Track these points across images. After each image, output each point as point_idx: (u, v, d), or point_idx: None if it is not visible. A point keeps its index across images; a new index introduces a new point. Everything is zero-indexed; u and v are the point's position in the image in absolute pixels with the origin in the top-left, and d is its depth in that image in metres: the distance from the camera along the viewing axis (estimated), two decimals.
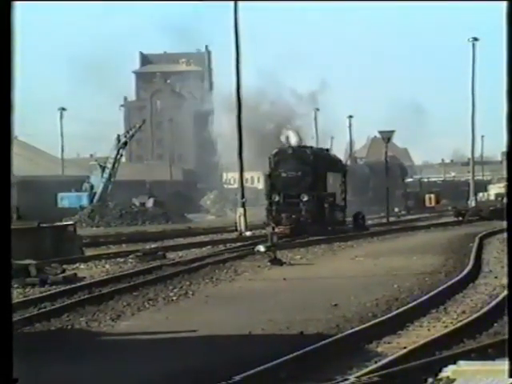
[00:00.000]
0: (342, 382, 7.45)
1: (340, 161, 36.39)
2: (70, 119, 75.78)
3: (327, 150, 36.44)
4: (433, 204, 58.27)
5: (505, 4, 5.74)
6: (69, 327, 11.82)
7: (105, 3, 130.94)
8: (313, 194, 30.85)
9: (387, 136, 41.81)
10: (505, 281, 13.75)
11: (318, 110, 69.11)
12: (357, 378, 7.58)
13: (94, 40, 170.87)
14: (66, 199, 54.55)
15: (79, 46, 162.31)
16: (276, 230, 28.51)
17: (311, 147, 33.79)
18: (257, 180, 76.77)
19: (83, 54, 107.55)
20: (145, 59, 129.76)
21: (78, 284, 16.29)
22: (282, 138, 33.71)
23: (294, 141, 33.14)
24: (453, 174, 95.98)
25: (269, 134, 39.38)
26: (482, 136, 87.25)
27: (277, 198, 30.88)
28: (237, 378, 7.57)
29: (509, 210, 6.01)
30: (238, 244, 26.46)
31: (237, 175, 37.65)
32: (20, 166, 71.53)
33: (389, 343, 9.96)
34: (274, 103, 42.79)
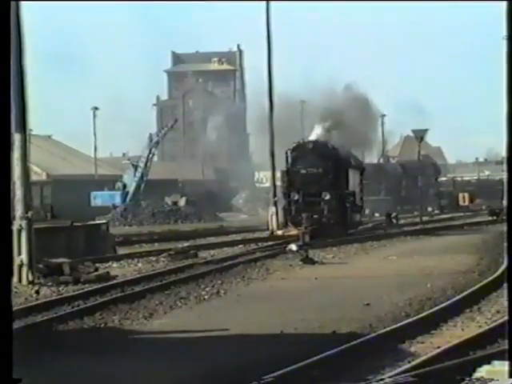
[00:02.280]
0: (375, 382, 7.40)
1: (357, 158, 33.85)
2: (104, 118, 76.19)
3: (343, 146, 32.85)
4: (467, 203, 57.80)
5: (505, 4, 5.70)
6: (102, 325, 11.88)
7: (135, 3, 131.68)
8: (335, 192, 28.87)
9: (420, 135, 41.47)
10: None
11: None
12: (390, 377, 7.52)
13: (126, 38, 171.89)
14: (99, 198, 54.95)
15: (110, 43, 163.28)
16: (295, 231, 27.12)
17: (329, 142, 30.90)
18: None
19: (115, 53, 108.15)
20: (177, 58, 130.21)
21: (111, 282, 16.38)
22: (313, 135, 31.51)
23: (317, 134, 30.90)
24: (487, 172, 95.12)
25: (300, 132, 38.47)
26: None
27: (296, 197, 28.81)
28: (269, 376, 7.55)
29: (509, 209, 5.95)
30: (270, 243, 26.40)
31: (269, 174, 37.57)
32: (54, 166, 72.17)
33: (422, 343, 9.88)
34: (304, 101, 42.11)
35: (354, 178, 30.78)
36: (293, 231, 27.93)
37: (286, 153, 29.69)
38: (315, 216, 28.28)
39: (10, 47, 4.82)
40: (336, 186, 29.10)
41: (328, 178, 29.10)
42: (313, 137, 31.12)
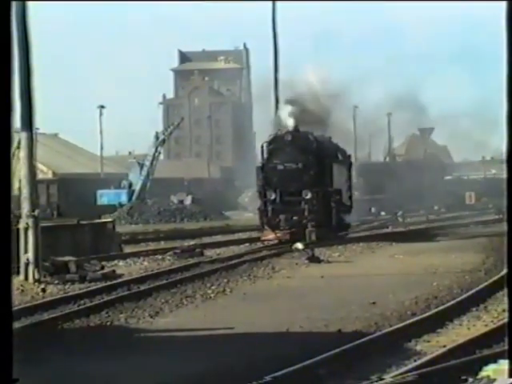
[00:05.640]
0: (378, 381, 7.39)
1: (344, 151, 29.59)
2: (110, 117, 76.41)
3: (329, 138, 28.95)
4: (473, 202, 57.72)
5: (505, 4, 5.69)
6: (108, 324, 11.90)
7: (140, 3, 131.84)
8: (317, 190, 25.61)
9: (426, 133, 41.40)
10: None
11: (356, 107, 68.66)
12: (394, 376, 7.51)
13: (132, 36, 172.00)
14: (105, 196, 54.99)
15: (117, 42, 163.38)
16: (270, 236, 24.93)
17: (312, 133, 27.00)
18: None
19: (120, 52, 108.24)
20: (183, 57, 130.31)
21: (117, 281, 16.40)
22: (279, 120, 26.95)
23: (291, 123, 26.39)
24: (493, 171, 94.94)
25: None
26: None
27: (273, 196, 25.50)
28: (274, 375, 7.54)
29: (509, 210, 5.94)
30: (276, 241, 26.35)
31: None
32: (60, 164, 72.27)
33: (428, 342, 9.87)
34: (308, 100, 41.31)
35: (340, 173, 27.44)
36: (270, 235, 25.28)
37: (262, 146, 26.29)
38: (295, 217, 25.19)
39: (10, 45, 4.81)
40: (319, 184, 25.80)
41: (309, 174, 25.75)
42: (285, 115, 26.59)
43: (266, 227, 25.53)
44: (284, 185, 25.73)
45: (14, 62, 4.94)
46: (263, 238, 25.38)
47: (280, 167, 25.85)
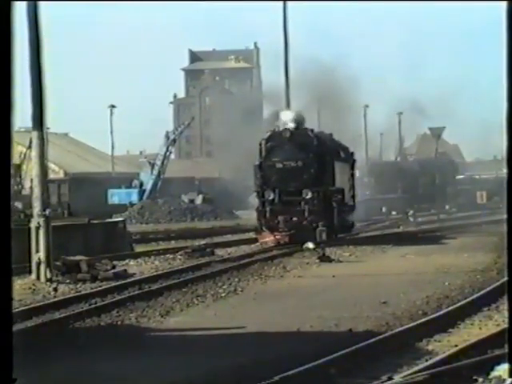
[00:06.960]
0: (388, 380, 7.38)
1: (347, 148, 28.22)
2: (121, 116, 76.58)
3: (330, 134, 27.72)
4: (484, 201, 57.54)
5: (505, 4, 5.68)
6: (118, 323, 11.92)
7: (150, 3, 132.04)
8: (318, 190, 24.44)
9: (438, 132, 41.32)
10: None
11: (367, 106, 68.58)
12: (406, 376, 7.50)
13: (143, 36, 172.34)
14: (116, 196, 55.12)
15: (127, 42, 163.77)
16: (269, 238, 24.14)
17: (312, 130, 25.80)
18: None
19: (132, 51, 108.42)
20: (194, 56, 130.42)
21: (128, 280, 16.42)
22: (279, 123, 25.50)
23: (290, 122, 25.09)
24: (505, 170, 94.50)
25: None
26: None
27: (271, 196, 24.27)
28: (285, 375, 7.54)
29: (509, 209, 5.94)
30: (275, 244, 26.12)
31: None
32: (71, 163, 72.44)
33: (439, 341, 9.85)
34: (320, 99, 40.93)
35: (342, 172, 26.16)
36: (268, 237, 24.24)
37: (260, 144, 24.90)
38: (294, 219, 24.03)
39: (10, 45, 4.82)
40: (319, 183, 24.60)
41: (309, 172, 24.55)
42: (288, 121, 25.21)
43: (264, 229, 24.45)
44: (283, 184, 24.51)
45: (18, 61, 4.94)
46: (261, 241, 24.38)
47: (279, 165, 24.67)
